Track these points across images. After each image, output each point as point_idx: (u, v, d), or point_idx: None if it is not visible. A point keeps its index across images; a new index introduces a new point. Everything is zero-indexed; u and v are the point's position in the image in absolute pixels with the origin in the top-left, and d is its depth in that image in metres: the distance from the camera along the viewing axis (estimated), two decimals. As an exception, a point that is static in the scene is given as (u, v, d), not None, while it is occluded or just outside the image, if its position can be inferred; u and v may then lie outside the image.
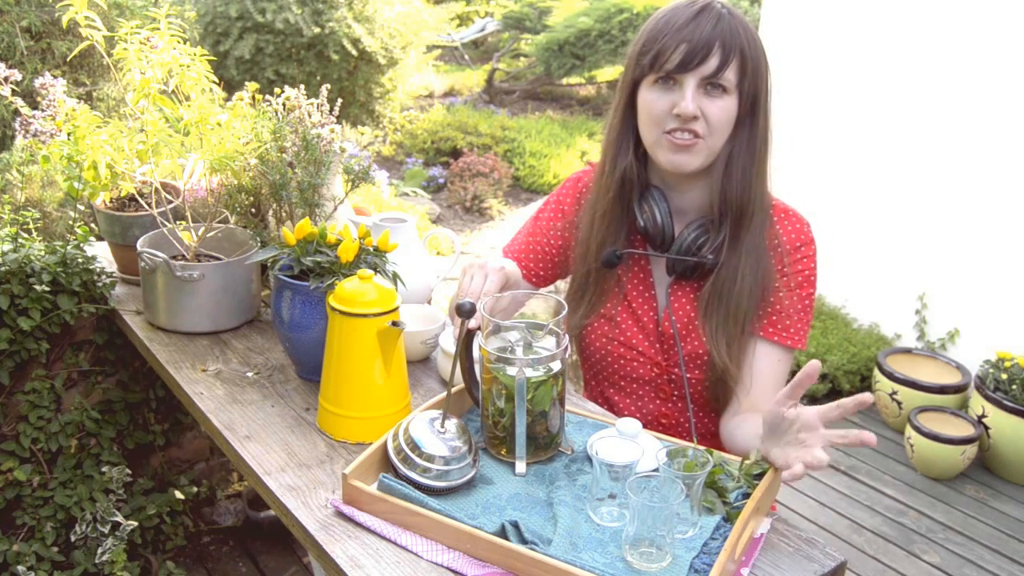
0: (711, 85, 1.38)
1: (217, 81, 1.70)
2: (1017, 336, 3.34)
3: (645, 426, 1.55)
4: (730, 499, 1.23)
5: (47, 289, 1.88)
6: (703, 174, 1.46)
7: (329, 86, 1.82)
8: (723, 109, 1.39)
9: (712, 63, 1.36)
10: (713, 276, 1.47)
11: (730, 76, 1.38)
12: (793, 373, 1.31)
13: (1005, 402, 3.13)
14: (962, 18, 3.43)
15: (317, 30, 6.03)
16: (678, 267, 1.50)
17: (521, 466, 1.30)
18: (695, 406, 1.55)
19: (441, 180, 6.26)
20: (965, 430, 3.20)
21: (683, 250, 1.48)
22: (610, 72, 8.46)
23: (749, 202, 1.44)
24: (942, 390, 3.36)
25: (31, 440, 1.99)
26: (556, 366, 1.28)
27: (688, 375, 1.52)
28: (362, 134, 6.33)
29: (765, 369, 1.49)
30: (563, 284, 1.67)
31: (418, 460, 1.24)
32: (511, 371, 1.26)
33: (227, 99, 1.77)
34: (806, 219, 1.53)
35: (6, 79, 1.67)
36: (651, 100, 1.42)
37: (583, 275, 1.57)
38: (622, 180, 1.50)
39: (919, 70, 3.59)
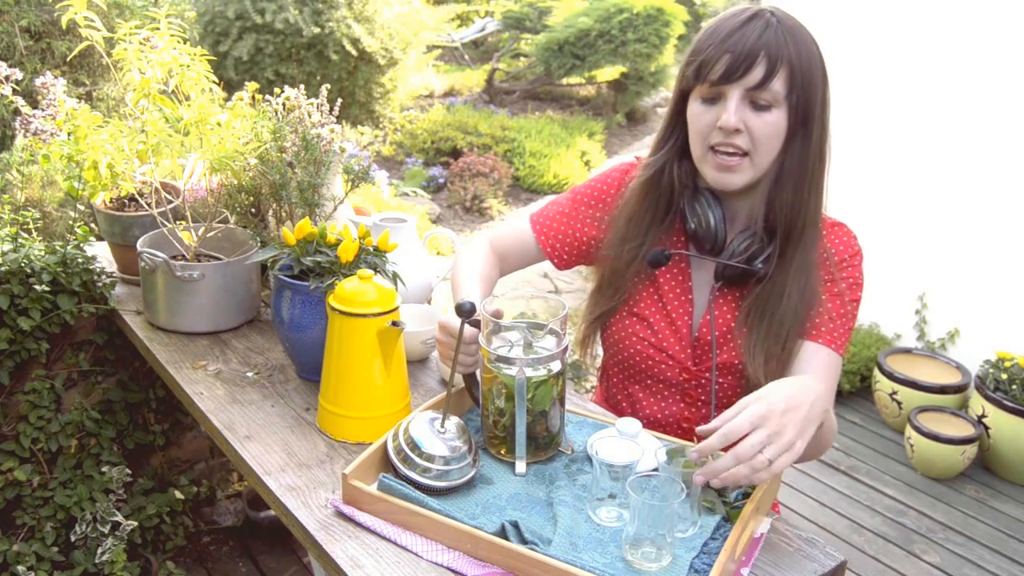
0: (757, 98, 1.33)
1: (217, 81, 1.70)
2: (1017, 336, 3.34)
3: (666, 428, 1.54)
4: (730, 499, 1.23)
5: (47, 289, 1.88)
6: (753, 185, 1.42)
7: (329, 86, 1.82)
8: (769, 124, 1.33)
9: (757, 73, 1.31)
10: (759, 289, 1.43)
11: (777, 87, 1.31)
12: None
13: (1005, 402, 3.13)
14: (962, 18, 3.43)
15: (317, 30, 6.03)
16: (727, 273, 1.46)
17: (521, 466, 1.30)
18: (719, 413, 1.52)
19: (441, 180, 6.26)
20: (965, 430, 3.20)
21: (735, 257, 1.43)
22: (610, 72, 8.46)
23: (799, 217, 1.39)
24: (942, 390, 3.36)
25: (31, 440, 1.99)
26: (556, 366, 1.28)
27: (720, 380, 1.49)
28: (362, 134, 6.33)
29: (819, 370, 1.41)
30: (581, 280, 1.66)
31: (418, 460, 1.24)
32: (511, 371, 1.26)
33: (227, 99, 1.77)
34: (853, 231, 1.49)
35: (6, 78, 1.67)
36: (697, 113, 1.38)
37: (614, 270, 1.54)
38: (659, 182, 1.48)
39: (917, 71, 3.59)
